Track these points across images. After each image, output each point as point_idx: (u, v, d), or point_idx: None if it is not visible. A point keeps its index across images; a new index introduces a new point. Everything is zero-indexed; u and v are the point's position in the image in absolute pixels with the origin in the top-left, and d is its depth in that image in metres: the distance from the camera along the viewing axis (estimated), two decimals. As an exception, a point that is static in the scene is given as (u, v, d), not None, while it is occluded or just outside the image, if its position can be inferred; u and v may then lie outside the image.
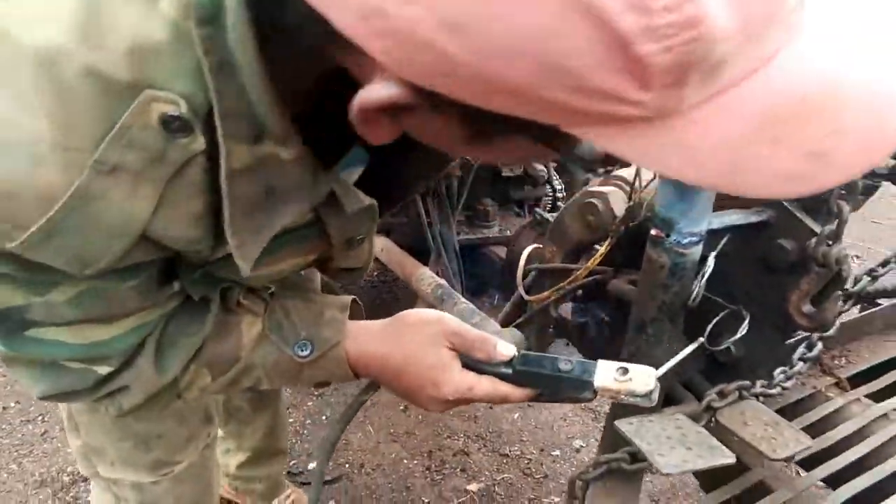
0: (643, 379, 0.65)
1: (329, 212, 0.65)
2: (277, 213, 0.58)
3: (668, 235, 0.79)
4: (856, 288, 0.95)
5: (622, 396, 0.66)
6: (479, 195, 1.84)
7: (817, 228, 0.80)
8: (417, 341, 0.71)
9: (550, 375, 0.70)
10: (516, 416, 2.02)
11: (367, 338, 0.73)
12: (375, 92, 0.43)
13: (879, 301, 1.21)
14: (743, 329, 0.85)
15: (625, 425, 0.78)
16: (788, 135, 0.37)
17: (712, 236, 0.83)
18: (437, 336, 0.71)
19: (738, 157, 0.37)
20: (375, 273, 2.59)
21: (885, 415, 1.01)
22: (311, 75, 0.52)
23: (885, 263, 1.05)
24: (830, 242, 0.78)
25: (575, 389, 0.68)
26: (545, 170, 1.87)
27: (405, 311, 0.76)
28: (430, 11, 0.35)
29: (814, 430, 1.02)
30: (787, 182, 0.38)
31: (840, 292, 0.79)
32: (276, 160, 0.53)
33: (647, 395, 0.65)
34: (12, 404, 1.98)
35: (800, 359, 1.02)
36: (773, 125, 0.37)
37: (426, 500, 1.71)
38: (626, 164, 0.41)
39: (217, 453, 1.46)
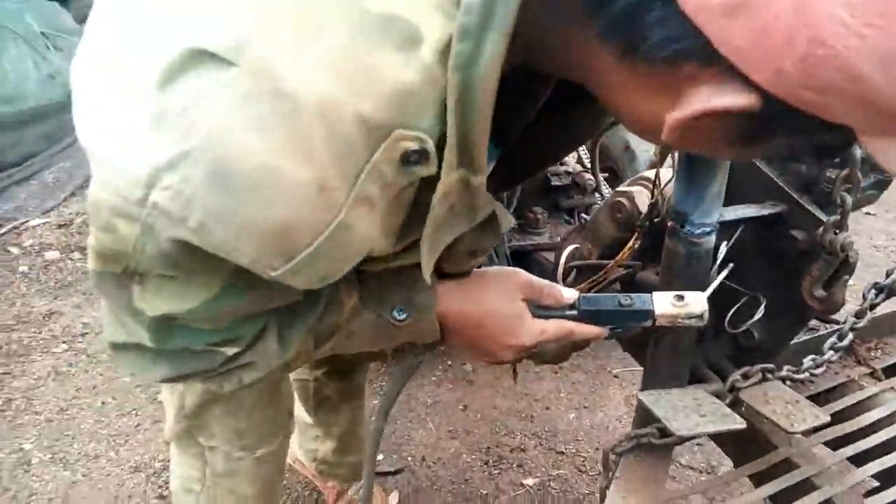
0: (697, 302, 0.76)
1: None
2: (450, 230, 0.64)
3: (682, 226, 0.87)
4: (887, 281, 1.00)
5: (681, 319, 0.76)
6: (530, 204, 1.94)
7: (825, 218, 0.87)
8: (495, 296, 0.78)
9: (612, 310, 0.78)
10: (572, 416, 2.09)
11: (451, 297, 0.77)
12: (727, 100, 0.47)
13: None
14: (759, 312, 0.92)
15: (646, 396, 0.87)
16: None
17: (727, 228, 0.91)
18: (512, 288, 0.78)
19: None
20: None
21: (918, 403, 1.06)
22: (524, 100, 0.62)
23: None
24: (836, 231, 0.85)
25: (637, 319, 0.78)
26: (594, 178, 1.96)
27: (482, 269, 0.82)
28: (872, 47, 0.42)
29: (844, 415, 1.07)
30: None
31: (847, 277, 0.86)
32: (468, 185, 0.59)
33: (701, 315, 0.76)
34: (110, 400, 2.19)
35: (830, 348, 1.07)
36: None
37: (484, 492, 1.81)
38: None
39: (307, 440, 1.61)
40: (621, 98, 0.56)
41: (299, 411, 1.58)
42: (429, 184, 0.57)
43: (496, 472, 1.88)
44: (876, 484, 0.87)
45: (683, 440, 0.99)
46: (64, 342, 2.47)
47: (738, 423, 0.81)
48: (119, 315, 0.65)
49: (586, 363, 2.28)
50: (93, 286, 0.65)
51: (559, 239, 1.89)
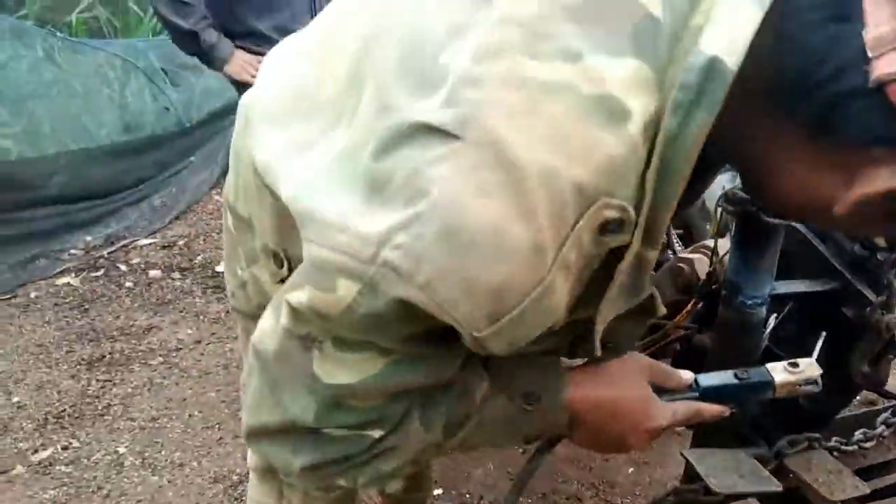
0: (811, 367, 0.79)
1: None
2: (625, 301, 0.63)
3: (735, 297, 0.94)
4: None
5: (800, 387, 0.79)
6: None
7: (874, 298, 0.92)
8: (625, 380, 0.75)
9: (732, 385, 0.80)
10: (631, 470, 2.11)
11: (581, 381, 0.74)
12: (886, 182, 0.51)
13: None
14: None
15: (690, 453, 0.93)
16: None
17: (778, 301, 0.96)
18: (639, 372, 0.76)
19: None
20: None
21: (969, 484, 1.06)
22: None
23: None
24: (884, 312, 0.90)
25: (757, 392, 0.80)
26: (666, 238, 2.01)
27: (615, 359, 0.77)
28: None
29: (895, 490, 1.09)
30: None
31: (893, 356, 0.90)
32: (640, 260, 0.59)
33: (817, 381, 0.79)
34: (197, 413, 2.36)
35: (883, 422, 1.10)
36: None
37: (537, 536, 1.85)
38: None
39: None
40: (793, 176, 0.58)
41: None
42: (605, 259, 0.58)
43: (552, 517, 1.92)
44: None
45: (727, 500, 1.04)
46: (160, 355, 2.69)
47: (775, 487, 0.86)
48: (287, 388, 0.64)
49: (649, 418, 2.30)
50: (271, 349, 0.64)
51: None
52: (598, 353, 0.64)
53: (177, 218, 3.89)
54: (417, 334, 0.59)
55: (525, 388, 0.71)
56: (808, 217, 0.63)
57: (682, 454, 0.94)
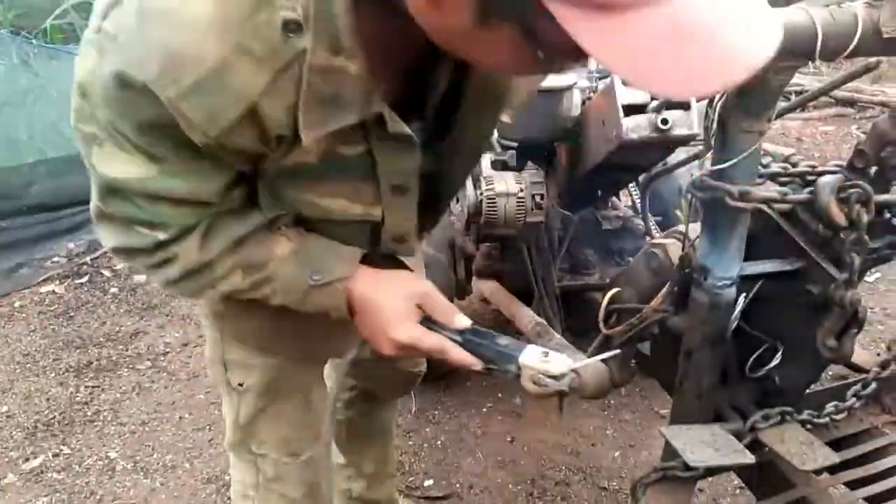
0: (559, 364, 0.82)
1: (378, 145, 0.80)
2: (336, 114, 0.73)
3: (705, 279, 0.97)
4: None
5: (540, 375, 0.82)
6: (582, 246, 2.05)
7: (837, 276, 0.95)
8: (393, 291, 0.88)
9: (488, 346, 0.85)
10: (617, 453, 2.16)
11: (363, 280, 0.88)
12: None
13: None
14: (776, 360, 1.01)
15: (668, 430, 0.96)
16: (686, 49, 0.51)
17: (748, 281, 1.00)
18: (411, 294, 0.88)
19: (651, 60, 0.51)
20: (491, 316, 2.83)
21: (938, 450, 1.11)
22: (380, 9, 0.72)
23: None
24: (847, 288, 0.93)
25: (504, 362, 0.84)
26: (644, 224, 2.05)
27: (404, 272, 0.94)
28: None
29: (866, 459, 1.13)
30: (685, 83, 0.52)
31: (857, 330, 0.94)
32: (345, 72, 0.70)
33: (560, 377, 0.81)
34: (187, 415, 2.38)
35: (853, 395, 1.14)
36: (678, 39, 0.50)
37: (527, 521, 1.89)
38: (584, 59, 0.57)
39: (341, 479, 1.74)
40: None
41: (333, 453, 1.72)
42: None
43: (540, 503, 1.96)
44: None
45: (706, 474, 1.08)
46: (148, 360, 2.70)
47: (748, 459, 0.90)
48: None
49: (634, 403, 2.35)
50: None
51: (608, 280, 1.99)
52: (308, 142, 0.74)
53: (159, 222, 3.89)
54: (154, 127, 0.71)
55: (317, 265, 0.86)
56: (450, 45, 0.68)
57: (660, 431, 0.97)
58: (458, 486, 2.03)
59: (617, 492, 1.99)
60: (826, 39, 0.80)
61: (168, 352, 2.75)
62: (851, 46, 0.81)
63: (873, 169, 0.97)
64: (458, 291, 2.10)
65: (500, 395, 2.40)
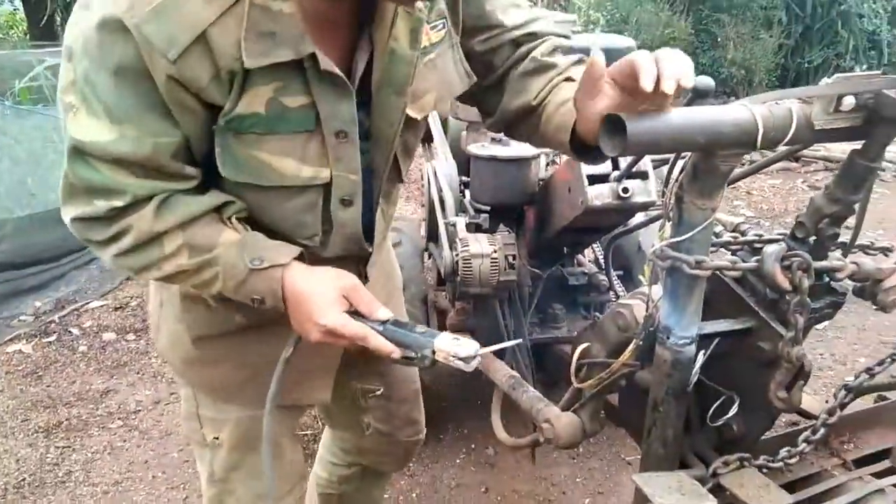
0: (468, 347, 0.92)
1: (318, 90, 0.90)
2: (274, 49, 0.85)
3: (668, 338, 1.08)
4: (855, 382, 1.20)
5: (451, 357, 0.92)
6: (551, 300, 2.16)
7: (785, 333, 1.07)
8: (321, 283, 0.96)
9: (406, 333, 0.95)
10: (587, 501, 2.23)
11: (296, 271, 0.96)
12: None
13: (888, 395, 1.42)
14: (733, 410, 1.11)
15: (638, 477, 1.05)
16: None
17: (706, 339, 1.11)
18: (339, 285, 0.97)
19: None
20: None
21: (882, 489, 1.22)
22: None
23: (881, 363, 1.28)
24: (793, 345, 1.05)
25: (421, 347, 0.94)
26: (607, 279, 2.17)
27: (336, 269, 1.01)
28: None
29: (816, 500, 1.23)
30: None
31: (803, 382, 1.05)
32: (281, 13, 0.83)
33: (468, 359, 0.92)
34: (160, 474, 2.38)
35: (804, 440, 1.25)
36: None
37: (504, 571, 1.94)
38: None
39: None
40: None
41: None
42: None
43: (516, 552, 2.02)
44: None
45: (674, 518, 1.17)
46: (119, 418, 2.69)
47: (711, 502, 0.99)
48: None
49: (601, 451, 2.43)
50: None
51: (575, 333, 2.10)
52: (249, 63, 0.85)
53: (128, 279, 3.89)
54: (125, 72, 0.82)
55: (259, 253, 0.95)
56: None
57: (632, 478, 1.06)
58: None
59: (589, 539, 2.06)
60: (766, 132, 0.92)
61: (139, 410, 2.74)
62: (788, 137, 0.94)
63: (812, 238, 1.10)
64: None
65: (473, 446, 2.46)
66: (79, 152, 0.87)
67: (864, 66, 8.79)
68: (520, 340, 1.05)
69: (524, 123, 1.16)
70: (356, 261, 1.16)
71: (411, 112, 1.05)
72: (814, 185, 5.69)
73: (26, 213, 3.59)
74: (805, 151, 5.93)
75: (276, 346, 1.05)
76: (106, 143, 0.85)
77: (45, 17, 8.24)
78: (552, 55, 1.13)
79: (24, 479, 2.34)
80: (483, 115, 1.24)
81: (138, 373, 3.01)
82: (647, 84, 0.81)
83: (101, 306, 3.58)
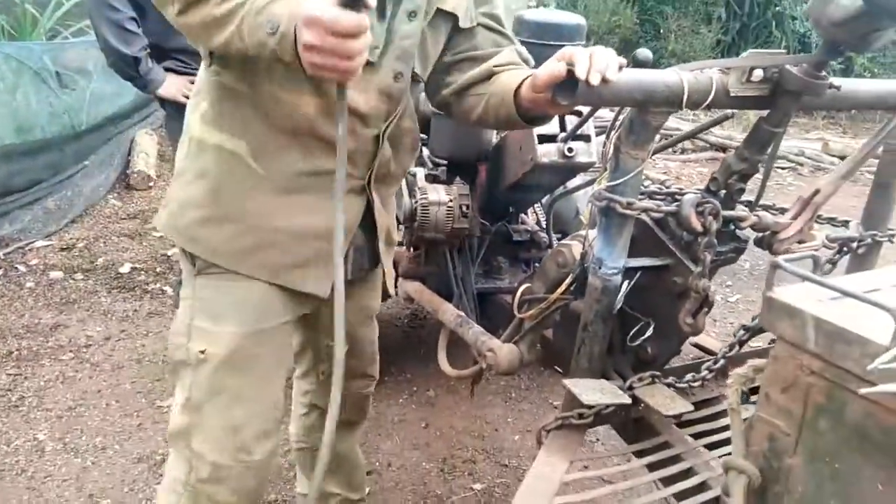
0: None
1: None
2: None
3: (599, 268, 1.28)
4: (753, 322, 1.43)
5: None
6: (496, 254, 2.35)
7: (695, 269, 1.28)
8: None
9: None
10: (517, 437, 2.45)
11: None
12: None
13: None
14: (648, 332, 1.32)
15: (568, 381, 1.25)
16: None
17: (630, 272, 1.31)
18: None
19: None
20: (406, 320, 3.09)
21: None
22: None
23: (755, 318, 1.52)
24: (700, 279, 1.26)
25: None
26: (547, 238, 2.38)
27: None
28: None
29: (712, 418, 1.47)
30: None
31: (707, 309, 1.27)
32: None
33: None
34: (114, 402, 2.47)
35: (706, 368, 1.48)
36: None
37: (439, 492, 2.15)
38: None
39: None
40: None
41: (300, 485, 1.88)
42: None
43: (450, 478, 2.22)
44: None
45: (596, 422, 1.38)
46: (70, 351, 2.75)
47: (626, 399, 1.20)
48: None
49: (532, 395, 2.66)
50: None
51: (516, 284, 2.30)
52: None
53: (73, 221, 3.89)
54: None
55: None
56: None
57: (563, 382, 1.26)
58: (377, 464, 2.25)
59: (516, 468, 2.29)
60: (690, 94, 1.12)
61: (91, 345, 2.81)
62: (708, 100, 1.15)
63: (723, 192, 1.31)
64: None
65: (415, 388, 2.65)
66: None
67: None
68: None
69: (469, 94, 1.34)
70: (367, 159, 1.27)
71: None
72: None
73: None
74: (732, 142, 6.31)
75: (286, 217, 1.17)
76: None
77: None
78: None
79: (-24, 402, 2.40)
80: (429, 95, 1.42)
81: (88, 310, 3.06)
82: (580, 74, 1.01)
83: (47, 246, 3.59)
